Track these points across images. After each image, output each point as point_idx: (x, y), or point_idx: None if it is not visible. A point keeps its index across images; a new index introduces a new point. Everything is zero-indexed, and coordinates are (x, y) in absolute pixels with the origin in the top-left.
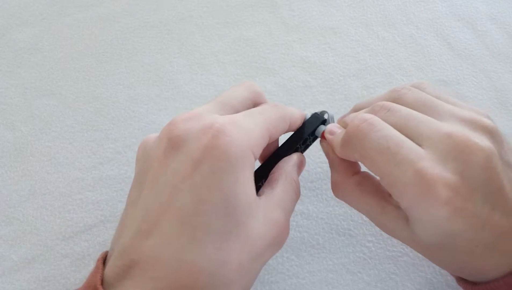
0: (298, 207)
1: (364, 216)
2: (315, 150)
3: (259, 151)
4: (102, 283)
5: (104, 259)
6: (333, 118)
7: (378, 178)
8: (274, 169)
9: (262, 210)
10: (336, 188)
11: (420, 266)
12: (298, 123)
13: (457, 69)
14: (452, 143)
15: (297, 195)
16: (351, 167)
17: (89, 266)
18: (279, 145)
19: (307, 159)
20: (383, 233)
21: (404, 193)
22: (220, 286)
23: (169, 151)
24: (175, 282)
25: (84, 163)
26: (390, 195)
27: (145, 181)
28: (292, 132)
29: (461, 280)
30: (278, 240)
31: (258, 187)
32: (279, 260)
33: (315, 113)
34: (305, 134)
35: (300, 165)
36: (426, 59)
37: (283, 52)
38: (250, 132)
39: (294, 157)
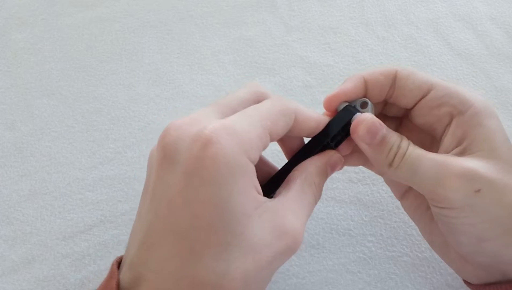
0: None
1: (364, 216)
2: None
3: (257, 153)
4: (118, 288)
5: (118, 264)
6: (373, 110)
7: None
8: (296, 168)
9: (269, 216)
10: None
11: (420, 266)
12: (311, 124)
13: (457, 69)
14: None
15: (315, 198)
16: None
17: (89, 266)
18: (306, 143)
19: None
20: (383, 233)
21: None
22: None
23: (164, 162)
24: None
25: (84, 163)
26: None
27: (148, 191)
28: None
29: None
30: (290, 247)
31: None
32: None
33: (348, 105)
34: (332, 131)
35: (331, 165)
36: (426, 59)
37: (283, 52)
38: (243, 136)
39: (320, 156)
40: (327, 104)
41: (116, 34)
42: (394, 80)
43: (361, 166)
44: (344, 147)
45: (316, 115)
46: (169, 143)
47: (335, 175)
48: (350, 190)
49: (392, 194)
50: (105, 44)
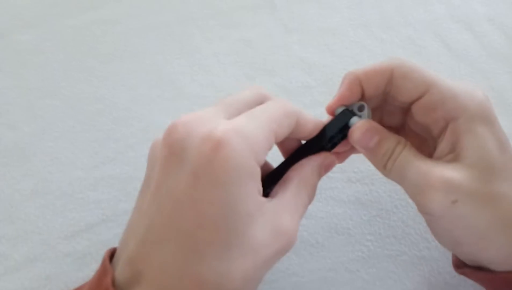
0: None
1: (363, 215)
2: None
3: (264, 155)
4: (113, 285)
5: (110, 259)
6: (369, 114)
7: None
8: (292, 168)
9: (269, 217)
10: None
11: (418, 265)
12: (309, 127)
13: (455, 70)
14: None
15: (310, 198)
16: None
17: (90, 265)
18: (303, 143)
19: None
20: (382, 232)
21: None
22: None
23: (170, 158)
24: None
25: (86, 163)
26: None
27: (150, 186)
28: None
29: (462, 265)
30: (285, 247)
31: (272, 189)
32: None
33: (346, 109)
34: (329, 133)
35: (325, 167)
36: (424, 60)
37: (283, 53)
38: (253, 138)
39: (315, 157)
40: (329, 111)
41: (118, 36)
42: (390, 78)
43: (360, 166)
44: (339, 147)
45: (314, 118)
46: (177, 140)
47: (334, 174)
48: (349, 189)
49: (391, 193)
50: (107, 46)
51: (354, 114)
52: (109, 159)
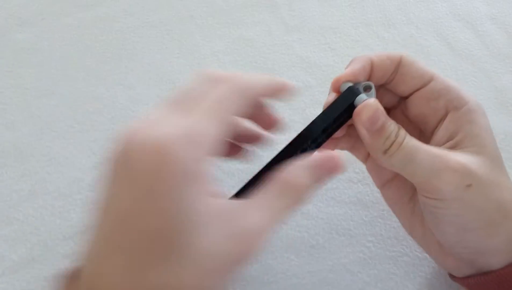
0: None
1: (364, 216)
2: None
3: (215, 148)
4: None
5: (70, 277)
6: (375, 93)
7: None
8: (282, 167)
9: (226, 219)
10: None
11: (420, 266)
12: (274, 84)
13: (457, 69)
14: None
15: (295, 201)
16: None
17: None
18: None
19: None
20: (383, 233)
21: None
22: None
23: (116, 171)
24: None
25: (84, 163)
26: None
27: (101, 201)
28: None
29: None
30: (247, 252)
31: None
32: (279, 260)
33: (352, 86)
34: (335, 112)
35: (329, 169)
36: (426, 59)
37: (283, 52)
38: (199, 139)
39: (316, 156)
40: (335, 85)
41: (116, 34)
42: (398, 65)
43: (361, 166)
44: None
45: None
46: (122, 152)
47: None
48: (350, 190)
49: None
50: (105, 44)
51: (360, 92)
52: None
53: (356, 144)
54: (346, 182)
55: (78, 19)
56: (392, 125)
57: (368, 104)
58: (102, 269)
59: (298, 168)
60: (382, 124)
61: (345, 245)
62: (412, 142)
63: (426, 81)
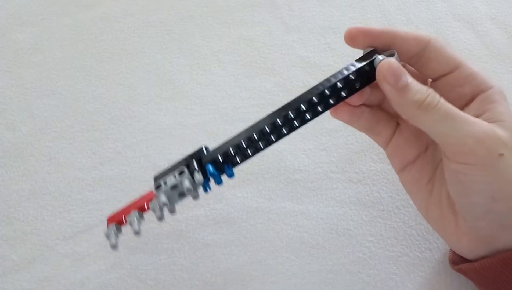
0: (298, 207)
1: (363, 216)
2: (315, 150)
3: None
4: None
5: None
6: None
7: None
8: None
9: None
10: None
11: (420, 266)
12: None
13: None
14: None
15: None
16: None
17: (89, 266)
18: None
19: (305, 158)
20: (383, 233)
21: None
22: None
23: None
24: None
25: (84, 163)
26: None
27: None
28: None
29: (459, 261)
30: None
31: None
32: (279, 260)
33: (374, 50)
34: (354, 69)
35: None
36: None
37: (283, 52)
38: None
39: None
40: (348, 35)
41: (116, 34)
42: (424, 49)
43: (361, 166)
44: (354, 97)
45: None
46: None
47: (335, 175)
48: (350, 190)
49: (392, 194)
50: (105, 44)
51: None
52: (108, 159)
53: (377, 125)
54: (345, 182)
55: (78, 19)
56: (419, 84)
57: (390, 60)
58: None
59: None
60: (409, 81)
61: (345, 245)
62: (448, 104)
63: (452, 68)
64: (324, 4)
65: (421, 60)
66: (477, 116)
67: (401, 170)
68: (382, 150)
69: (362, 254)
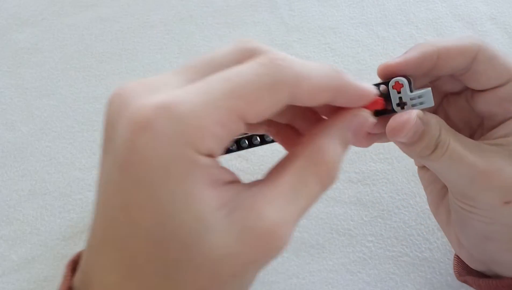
0: None
1: (364, 216)
2: None
3: (215, 144)
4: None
5: (75, 263)
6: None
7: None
8: (302, 140)
9: (240, 214)
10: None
11: (420, 266)
12: (322, 95)
13: None
14: None
15: (324, 182)
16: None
17: None
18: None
19: None
20: (383, 233)
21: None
22: None
23: (104, 140)
24: None
25: (84, 163)
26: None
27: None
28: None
29: (464, 273)
30: (266, 252)
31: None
32: (279, 260)
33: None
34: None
35: (356, 128)
36: None
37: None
38: (191, 120)
39: (337, 119)
40: (384, 72)
41: (116, 34)
42: (472, 62)
43: (361, 166)
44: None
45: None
46: (109, 115)
47: None
48: (350, 190)
49: (392, 194)
50: (105, 44)
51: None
52: None
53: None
54: (346, 182)
55: (78, 19)
56: (432, 130)
57: (395, 119)
58: (93, 262)
59: (326, 135)
60: (422, 132)
61: (345, 245)
62: (457, 148)
63: (503, 81)
64: (324, 4)
65: (469, 73)
66: (506, 135)
67: (421, 166)
68: (382, 150)
69: (362, 254)
